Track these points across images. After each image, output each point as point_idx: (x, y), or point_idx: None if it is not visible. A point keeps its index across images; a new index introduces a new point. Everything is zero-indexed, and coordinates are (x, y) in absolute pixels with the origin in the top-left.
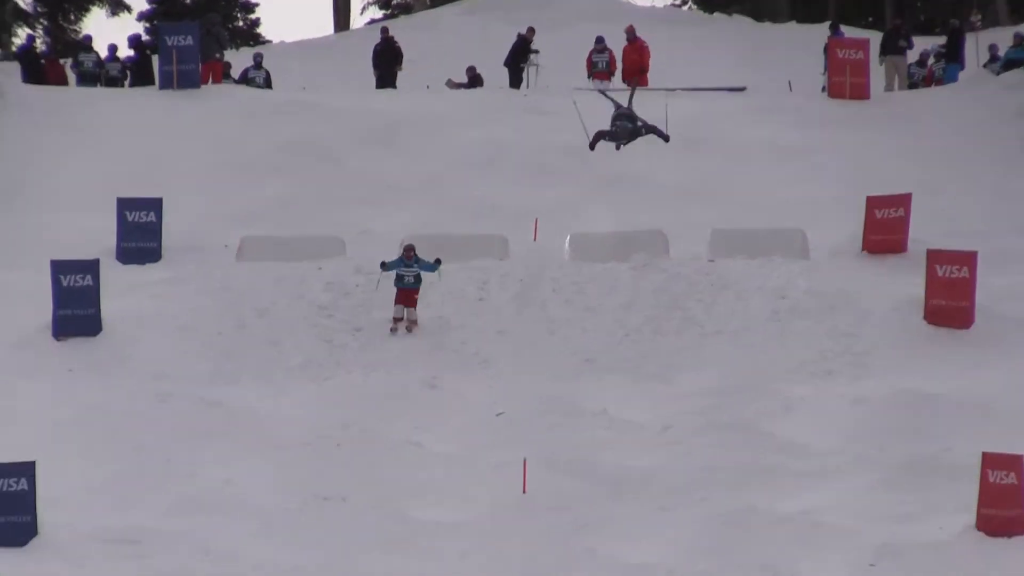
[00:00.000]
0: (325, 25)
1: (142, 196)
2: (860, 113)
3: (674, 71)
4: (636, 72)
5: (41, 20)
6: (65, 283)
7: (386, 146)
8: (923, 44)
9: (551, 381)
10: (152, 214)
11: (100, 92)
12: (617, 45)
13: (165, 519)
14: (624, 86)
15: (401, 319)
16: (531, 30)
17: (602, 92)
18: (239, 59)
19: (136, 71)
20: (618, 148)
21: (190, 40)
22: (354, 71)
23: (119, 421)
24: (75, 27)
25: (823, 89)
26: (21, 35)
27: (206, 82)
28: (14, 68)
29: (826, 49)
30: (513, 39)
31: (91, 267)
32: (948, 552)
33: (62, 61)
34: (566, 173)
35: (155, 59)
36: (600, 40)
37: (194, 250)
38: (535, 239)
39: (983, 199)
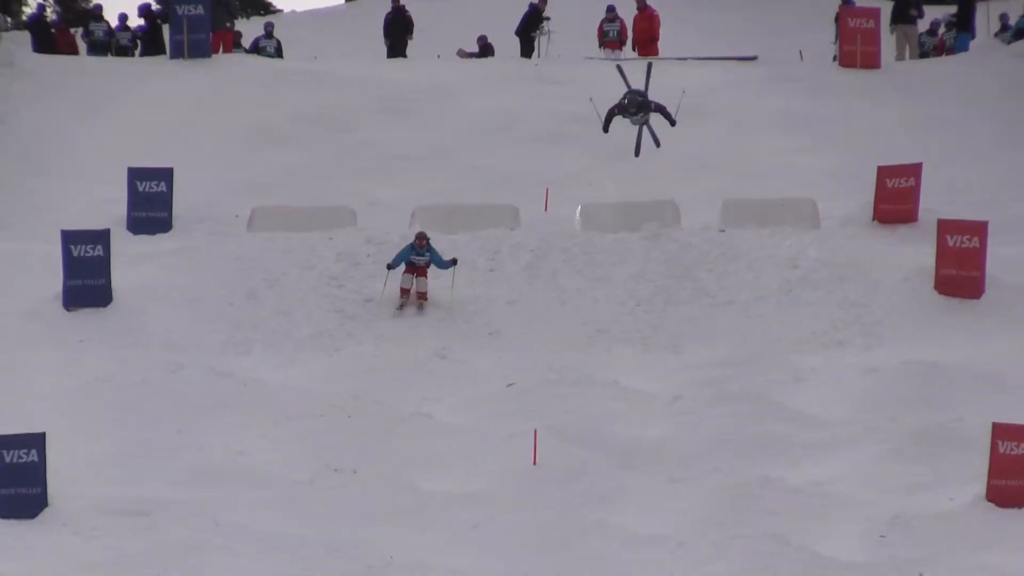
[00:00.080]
0: None
1: (153, 166)
2: (871, 82)
3: (685, 40)
4: (646, 41)
5: None
6: (75, 253)
7: (397, 116)
8: (934, 13)
9: (562, 351)
10: (163, 184)
11: (110, 62)
12: (628, 14)
13: (175, 490)
14: (634, 54)
15: (409, 289)
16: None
17: (619, 69)
18: (250, 28)
19: (147, 40)
20: (635, 121)
21: (201, 9)
22: (365, 41)
23: (129, 392)
24: None
25: (834, 58)
26: (32, 4)
27: (217, 52)
28: (25, 38)
29: (837, 18)
30: (525, 8)
31: (102, 237)
32: (958, 522)
33: (72, 31)
34: (577, 143)
35: (166, 28)
36: (611, 9)
37: (205, 220)
38: (546, 209)
39: (994, 168)
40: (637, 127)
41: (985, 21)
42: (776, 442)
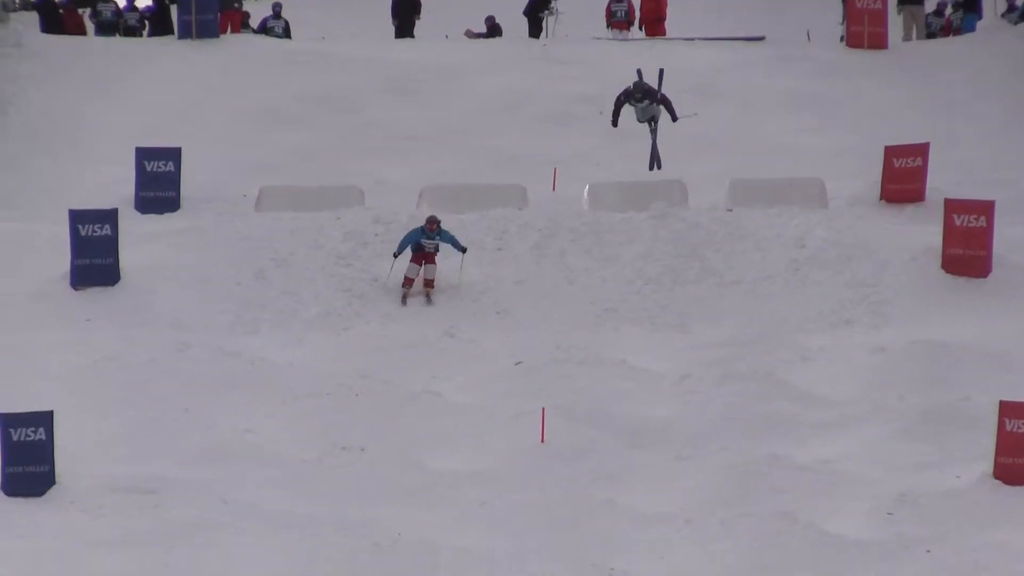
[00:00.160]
0: None
1: (161, 146)
2: (878, 63)
3: (692, 20)
4: (654, 21)
5: None
6: (83, 232)
7: (405, 96)
8: None
9: (569, 331)
10: (171, 164)
11: (118, 42)
12: None
13: (183, 469)
14: (641, 35)
15: (413, 280)
16: None
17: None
18: (258, 9)
19: (155, 21)
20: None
21: None
22: (373, 21)
23: (137, 371)
24: None
25: (841, 39)
26: None
27: (225, 32)
28: (32, 18)
29: None
30: None
31: (110, 216)
32: (965, 500)
33: (80, 11)
34: (585, 123)
35: (174, 9)
36: None
37: (213, 200)
38: (554, 189)
39: (1000, 148)
40: (651, 140)
41: (992, 2)
42: (784, 421)
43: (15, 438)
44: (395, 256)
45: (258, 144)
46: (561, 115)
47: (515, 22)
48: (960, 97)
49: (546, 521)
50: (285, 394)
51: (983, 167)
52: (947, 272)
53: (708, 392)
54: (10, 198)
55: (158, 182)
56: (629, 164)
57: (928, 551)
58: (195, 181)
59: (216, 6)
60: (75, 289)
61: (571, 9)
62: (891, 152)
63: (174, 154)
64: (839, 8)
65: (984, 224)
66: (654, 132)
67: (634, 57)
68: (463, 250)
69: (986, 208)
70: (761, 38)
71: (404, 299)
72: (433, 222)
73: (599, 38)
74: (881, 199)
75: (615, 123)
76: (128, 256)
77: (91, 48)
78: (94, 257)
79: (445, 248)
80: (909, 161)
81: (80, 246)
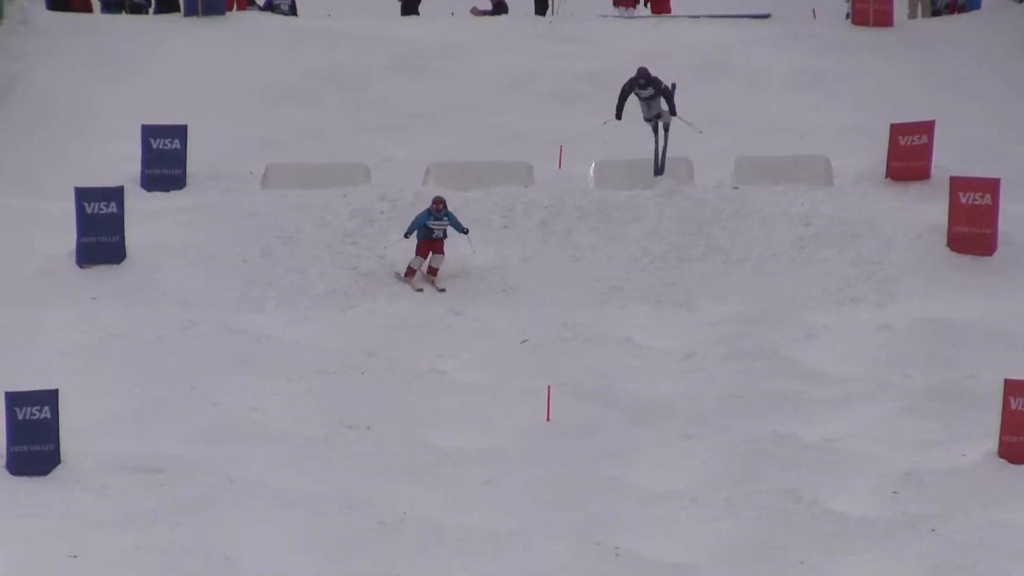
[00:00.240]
0: None
1: (167, 123)
2: (883, 40)
3: None
4: None
5: None
6: (89, 210)
7: (411, 73)
8: None
9: (575, 308)
10: (177, 141)
11: (124, 19)
12: None
13: (189, 447)
14: (647, 12)
15: (416, 271)
16: None
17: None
18: None
19: None
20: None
21: None
22: None
23: (143, 349)
24: None
25: (847, 16)
26: None
27: (231, 9)
28: None
29: None
30: None
31: (115, 194)
32: (970, 478)
33: None
34: (591, 101)
35: None
36: None
37: (219, 177)
38: (560, 167)
39: (1006, 126)
40: (653, 143)
41: None
42: (789, 399)
43: (20, 416)
44: (405, 237)
45: (264, 121)
46: (567, 93)
47: None
48: (966, 74)
49: (551, 499)
50: (291, 372)
51: (989, 145)
52: (952, 250)
53: (713, 370)
54: (16, 175)
55: (164, 160)
56: (635, 142)
57: (933, 529)
58: (201, 159)
59: None
60: (81, 267)
61: None
62: (896, 130)
63: (180, 132)
64: None
65: (989, 202)
66: (662, 135)
67: (640, 34)
68: (465, 231)
69: (991, 186)
70: (767, 15)
71: (405, 279)
72: (439, 202)
73: (605, 15)
74: (886, 177)
75: (619, 115)
76: (134, 234)
77: (97, 25)
78: (100, 235)
79: (456, 237)
80: (914, 139)
81: (86, 224)
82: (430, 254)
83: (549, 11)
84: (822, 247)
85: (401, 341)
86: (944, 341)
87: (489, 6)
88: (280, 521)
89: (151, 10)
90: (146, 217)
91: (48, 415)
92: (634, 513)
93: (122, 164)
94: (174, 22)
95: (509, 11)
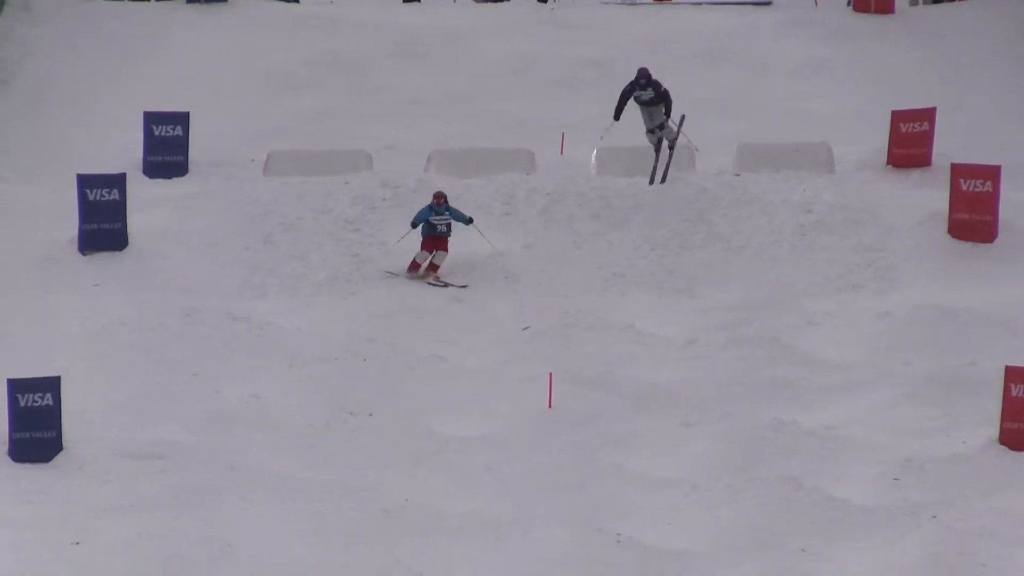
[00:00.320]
0: None
1: (169, 110)
2: (885, 27)
3: None
4: None
5: None
6: (91, 197)
7: (413, 60)
8: None
9: (577, 295)
10: (179, 128)
11: (127, 7)
12: None
13: (191, 434)
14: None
15: (421, 265)
16: None
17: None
18: None
19: None
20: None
21: None
22: None
23: (145, 336)
24: None
25: (848, 3)
26: None
27: None
28: None
29: None
30: None
31: (117, 181)
32: (971, 465)
33: None
34: (593, 87)
35: None
36: None
37: (221, 164)
38: (562, 153)
39: (1007, 113)
40: (654, 159)
41: None
42: (790, 386)
43: (23, 404)
44: (412, 226)
45: (266, 108)
46: (569, 80)
47: None
48: (967, 61)
49: (553, 486)
50: (293, 359)
51: (990, 132)
52: (953, 237)
53: (715, 357)
54: (18, 162)
55: (166, 146)
56: (637, 129)
57: (933, 516)
58: (203, 145)
59: None
60: (83, 254)
61: None
62: (898, 117)
63: (182, 118)
64: None
65: (990, 189)
66: (666, 152)
67: (642, 21)
68: (469, 220)
69: (992, 173)
70: (768, 2)
71: (407, 274)
72: (440, 197)
73: (607, 2)
74: (888, 164)
75: (618, 116)
76: (136, 221)
77: (100, 12)
78: (102, 222)
79: (464, 233)
80: (916, 126)
81: (88, 211)
82: (433, 251)
83: None
84: (823, 234)
85: (403, 328)
86: (945, 328)
87: None
88: (281, 508)
89: None
90: (148, 204)
91: (50, 402)
92: (635, 500)
93: (124, 151)
94: (176, 9)
95: None
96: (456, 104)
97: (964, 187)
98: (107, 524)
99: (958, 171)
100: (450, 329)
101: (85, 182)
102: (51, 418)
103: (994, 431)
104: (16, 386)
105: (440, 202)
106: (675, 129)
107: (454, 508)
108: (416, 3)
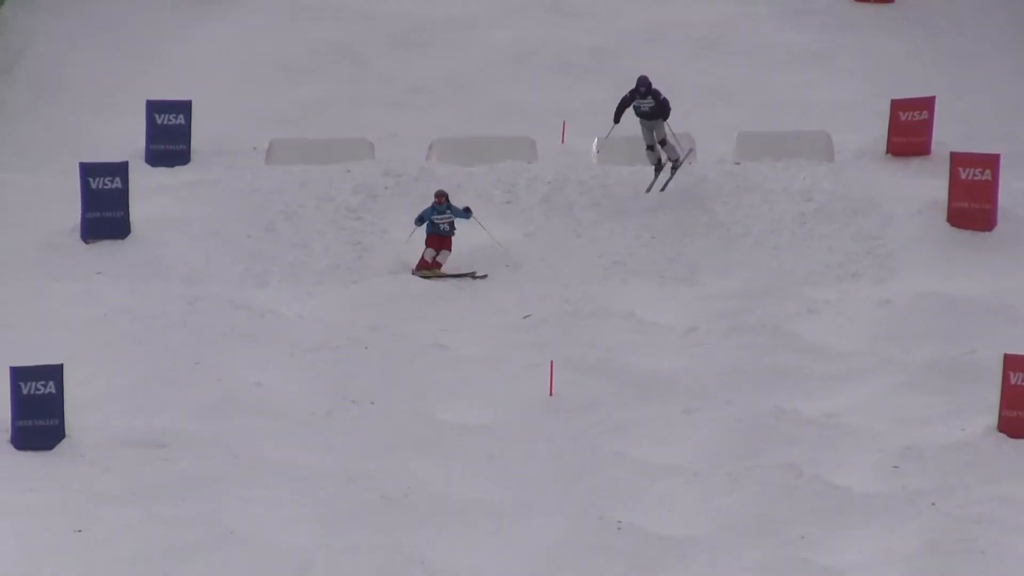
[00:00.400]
0: None
1: (171, 98)
2: (885, 16)
3: None
4: None
5: None
6: (94, 185)
7: (414, 48)
8: None
9: (578, 283)
10: (181, 116)
11: None
12: None
13: (193, 422)
14: None
15: (428, 262)
16: None
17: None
18: None
19: None
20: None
21: None
22: None
23: (147, 324)
24: None
25: None
26: None
27: None
28: None
29: None
30: None
31: (120, 169)
32: (970, 453)
33: None
34: (595, 75)
35: None
36: None
37: (223, 153)
38: (563, 142)
39: (1006, 102)
40: (653, 175)
41: None
42: (790, 374)
43: (25, 391)
44: (416, 224)
45: (268, 97)
46: (571, 67)
47: None
48: (966, 50)
49: (554, 473)
50: (295, 347)
51: (989, 121)
52: (952, 225)
53: (715, 345)
54: (21, 150)
55: (168, 135)
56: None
57: (933, 504)
58: (205, 134)
59: None
60: (85, 242)
61: None
62: (897, 105)
63: (184, 107)
64: None
65: (989, 177)
66: (667, 171)
67: (644, 9)
68: (468, 215)
69: (991, 161)
70: None
71: (414, 271)
72: (441, 196)
73: None
74: (887, 152)
75: (617, 119)
76: (138, 209)
77: (102, 1)
78: (104, 210)
79: (465, 225)
80: (915, 114)
81: (90, 199)
82: (439, 250)
83: None
84: (823, 222)
85: (405, 316)
86: (944, 316)
87: None
88: (283, 495)
89: None
90: (150, 192)
91: (53, 390)
92: (636, 487)
93: (126, 139)
94: None
95: None
96: (458, 92)
97: (963, 176)
98: (110, 512)
99: (957, 160)
100: (452, 317)
101: (87, 170)
102: (53, 406)
103: (993, 419)
104: (18, 374)
105: (441, 201)
106: (679, 152)
107: (456, 495)
108: None
